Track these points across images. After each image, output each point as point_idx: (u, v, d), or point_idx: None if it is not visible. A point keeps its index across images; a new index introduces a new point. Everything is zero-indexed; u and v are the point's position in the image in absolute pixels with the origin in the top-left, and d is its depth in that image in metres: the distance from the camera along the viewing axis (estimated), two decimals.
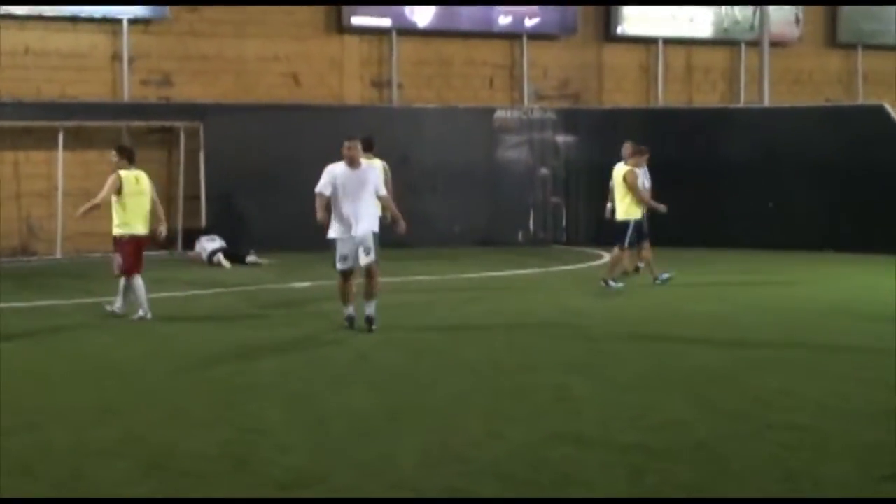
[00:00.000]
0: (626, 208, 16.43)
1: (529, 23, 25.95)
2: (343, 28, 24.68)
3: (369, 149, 15.56)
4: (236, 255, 20.60)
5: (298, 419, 8.19)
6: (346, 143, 12.27)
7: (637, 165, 16.53)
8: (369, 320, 12.13)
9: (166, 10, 23.07)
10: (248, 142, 22.74)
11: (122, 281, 13.46)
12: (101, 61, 22.80)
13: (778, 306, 14.43)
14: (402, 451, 7.25)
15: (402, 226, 12.53)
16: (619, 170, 16.76)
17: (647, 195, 16.77)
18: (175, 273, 18.82)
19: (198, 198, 22.72)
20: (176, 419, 8.20)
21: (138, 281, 13.41)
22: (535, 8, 25.89)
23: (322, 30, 24.59)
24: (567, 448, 7.31)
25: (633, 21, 26.85)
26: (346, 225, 12.14)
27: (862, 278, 17.14)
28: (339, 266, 12.25)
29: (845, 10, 28.96)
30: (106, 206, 13.51)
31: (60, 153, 21.68)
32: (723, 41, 27.80)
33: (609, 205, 17.80)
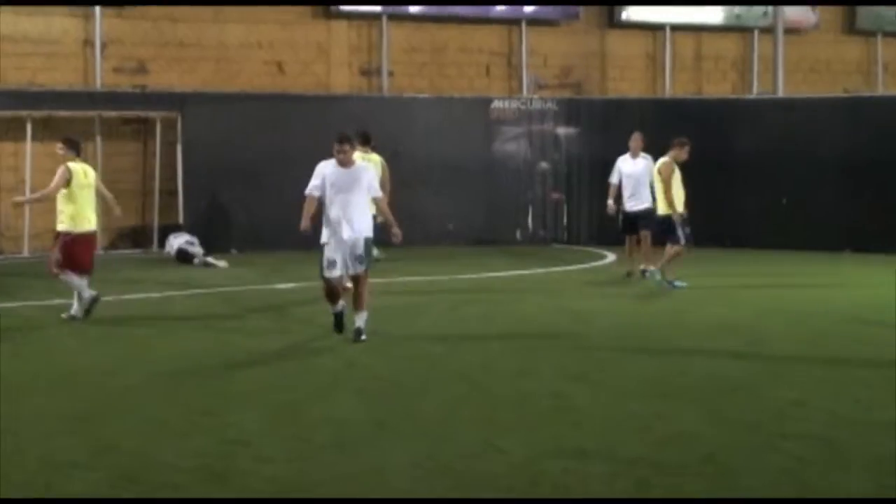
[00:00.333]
0: (665, 203, 16.42)
1: (528, 8, 25.97)
2: (330, 13, 24.69)
3: (367, 143, 15.56)
4: (188, 253, 20.53)
5: (281, 429, 8.18)
6: (337, 146, 11.90)
7: (677, 159, 16.47)
8: (358, 332, 11.89)
9: None
10: (228, 134, 22.73)
11: (76, 281, 13.54)
12: (72, 47, 22.79)
13: (792, 311, 14.43)
14: (390, 463, 7.25)
15: (396, 234, 12.16)
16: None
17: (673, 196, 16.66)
18: (150, 273, 18.81)
19: (175, 193, 22.71)
20: (150, 428, 8.19)
21: (80, 278, 13.55)
22: None
23: (308, 14, 24.58)
24: (567, 461, 7.30)
25: (639, 6, 26.85)
26: (337, 229, 11.84)
27: (883, 281, 17.14)
28: (326, 273, 11.88)
29: None
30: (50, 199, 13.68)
31: (29, 144, 21.68)
32: (734, 27, 27.82)
33: (610, 201, 17.83)
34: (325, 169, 11.97)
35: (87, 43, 22.83)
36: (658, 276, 16.46)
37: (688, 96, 26.65)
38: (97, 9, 22.62)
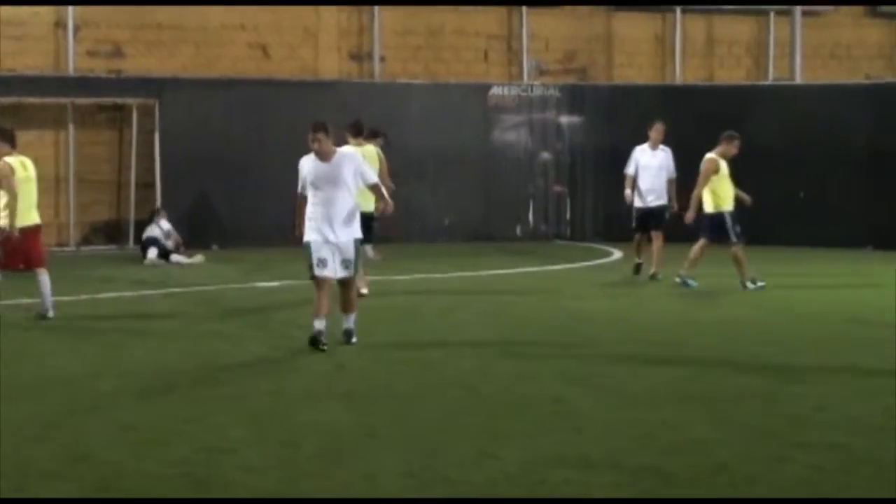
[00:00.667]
0: (714, 199, 16.43)
1: None
2: None
3: (359, 134, 15.58)
4: (152, 244, 20.55)
5: (266, 436, 8.20)
6: (310, 136, 11.51)
7: (725, 155, 16.46)
8: (348, 334, 11.85)
9: None
10: (209, 122, 22.75)
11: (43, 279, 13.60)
12: (43, 29, 22.79)
13: (810, 311, 14.47)
14: (382, 472, 7.27)
15: (388, 204, 12.03)
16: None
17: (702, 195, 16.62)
18: (125, 270, 18.83)
19: (152, 185, 22.73)
20: (127, 436, 8.20)
21: (43, 276, 13.63)
22: None
23: None
24: (569, 471, 7.33)
25: None
26: (323, 230, 11.56)
27: None
28: (316, 271, 11.57)
29: None
30: None
31: None
32: (749, 10, 27.83)
33: (627, 191, 17.75)
34: (305, 164, 11.71)
35: (59, 25, 22.84)
36: (691, 283, 16.39)
37: (699, 83, 26.67)
38: None
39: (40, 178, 14.14)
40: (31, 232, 13.80)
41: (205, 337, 12.54)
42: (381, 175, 15.88)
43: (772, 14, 27.58)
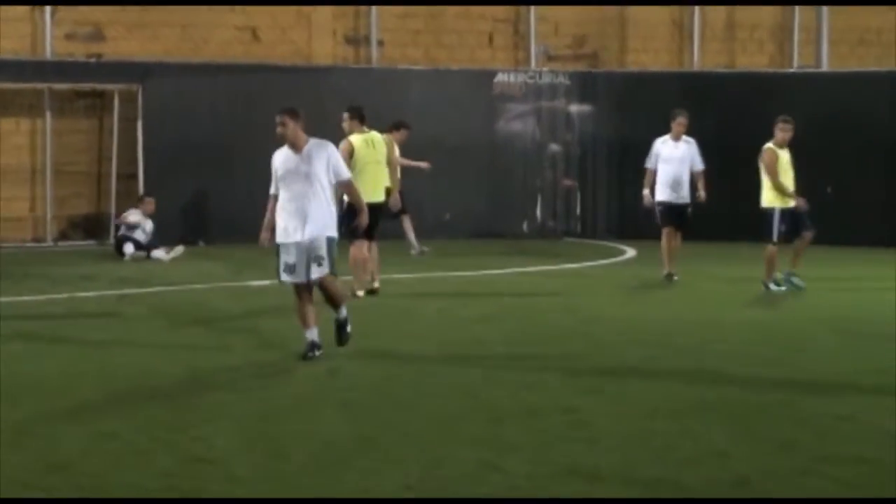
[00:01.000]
0: (767, 193, 16.40)
1: None
2: None
3: (363, 121, 15.56)
4: (127, 240, 20.60)
5: (255, 446, 8.20)
6: (277, 118, 11.30)
7: (781, 144, 16.37)
8: (341, 325, 11.52)
9: None
10: (195, 109, 22.76)
11: None
12: (18, 11, 22.77)
13: (837, 315, 14.46)
14: (378, 486, 7.27)
15: (361, 220, 12.10)
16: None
17: (783, 184, 16.49)
18: (105, 267, 18.82)
19: (134, 176, 22.73)
20: (108, 446, 8.20)
21: None
22: None
23: None
24: (579, 484, 7.33)
25: None
26: (291, 227, 11.36)
27: None
28: (283, 278, 11.42)
29: None
30: None
31: None
32: None
33: (646, 191, 17.64)
34: (276, 158, 11.53)
35: (36, 6, 22.82)
36: (775, 287, 16.35)
37: (719, 70, 26.63)
38: None
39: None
40: None
41: (190, 339, 12.54)
42: (390, 164, 15.91)
43: None
